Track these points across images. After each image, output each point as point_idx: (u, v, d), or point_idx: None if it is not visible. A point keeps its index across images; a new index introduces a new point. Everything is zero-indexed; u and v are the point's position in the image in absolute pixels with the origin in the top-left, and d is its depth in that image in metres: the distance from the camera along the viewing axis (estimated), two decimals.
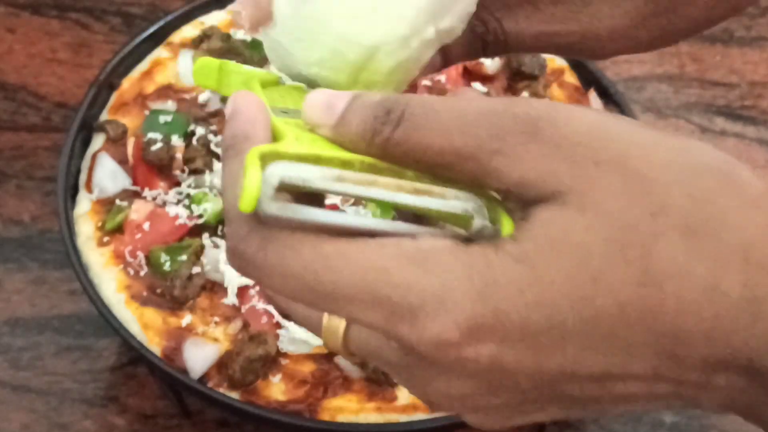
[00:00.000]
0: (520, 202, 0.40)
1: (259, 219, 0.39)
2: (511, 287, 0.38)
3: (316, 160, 0.40)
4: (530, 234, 0.39)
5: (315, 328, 0.45)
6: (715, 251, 0.38)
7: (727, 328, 0.38)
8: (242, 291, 0.84)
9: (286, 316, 0.83)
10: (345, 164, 0.41)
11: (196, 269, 0.84)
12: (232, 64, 0.48)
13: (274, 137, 0.42)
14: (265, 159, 0.39)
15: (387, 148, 0.41)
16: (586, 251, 0.38)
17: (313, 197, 0.41)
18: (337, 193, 0.40)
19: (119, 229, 0.87)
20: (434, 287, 0.38)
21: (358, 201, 0.87)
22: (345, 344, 0.44)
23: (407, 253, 0.39)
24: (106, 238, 0.87)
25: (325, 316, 0.44)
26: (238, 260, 0.41)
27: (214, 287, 0.85)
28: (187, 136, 0.92)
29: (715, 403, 0.40)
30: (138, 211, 0.87)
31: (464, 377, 0.40)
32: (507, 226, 0.40)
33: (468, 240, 0.40)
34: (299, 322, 0.49)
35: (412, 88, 0.97)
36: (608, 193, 0.38)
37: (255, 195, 0.38)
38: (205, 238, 0.87)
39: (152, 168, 0.90)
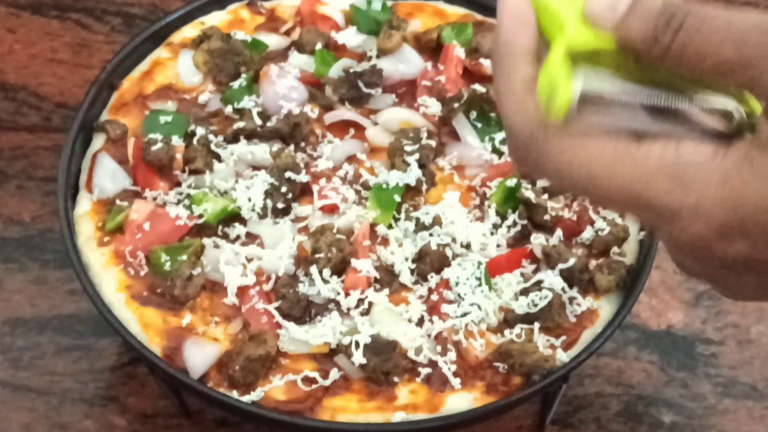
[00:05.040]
0: None
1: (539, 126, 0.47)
2: (759, 196, 0.45)
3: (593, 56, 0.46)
4: None
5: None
6: None
7: None
8: (242, 291, 0.84)
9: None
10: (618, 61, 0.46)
11: (196, 269, 0.84)
12: None
13: (545, 31, 0.48)
14: (572, 60, 0.45)
15: (665, 55, 0.45)
16: None
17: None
18: (625, 103, 0.46)
19: (119, 229, 0.87)
20: (690, 199, 0.46)
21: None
22: None
23: (668, 166, 0.46)
24: (106, 238, 0.87)
25: None
26: (518, 165, 0.49)
27: (214, 287, 0.85)
28: (187, 136, 0.92)
29: None
30: (138, 211, 0.87)
31: (716, 266, 0.49)
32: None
33: (728, 137, 0.45)
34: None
35: (411, 86, 0.97)
36: None
37: (565, 108, 0.45)
38: (205, 238, 0.87)
39: (152, 168, 0.90)
